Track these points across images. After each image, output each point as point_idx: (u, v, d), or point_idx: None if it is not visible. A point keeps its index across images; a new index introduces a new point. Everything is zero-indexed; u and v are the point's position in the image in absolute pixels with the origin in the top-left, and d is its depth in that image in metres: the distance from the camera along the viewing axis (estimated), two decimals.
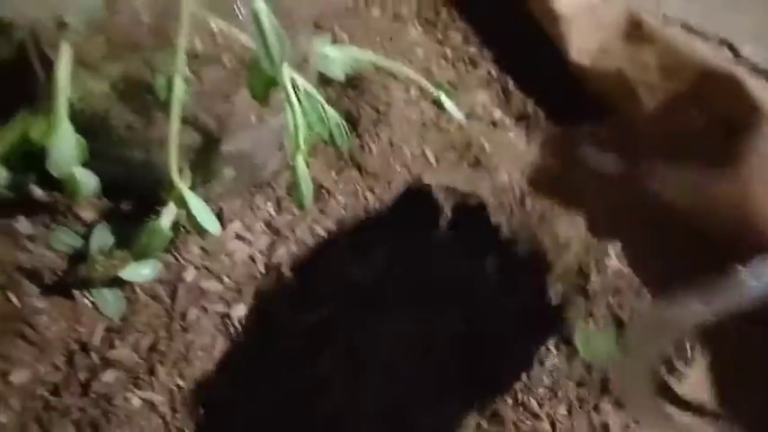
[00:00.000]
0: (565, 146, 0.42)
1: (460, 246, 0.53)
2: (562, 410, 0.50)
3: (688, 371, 0.53)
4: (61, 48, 0.36)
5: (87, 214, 0.45)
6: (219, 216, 0.46)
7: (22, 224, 0.44)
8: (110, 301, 0.42)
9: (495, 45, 0.76)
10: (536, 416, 0.49)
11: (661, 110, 0.68)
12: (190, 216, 0.41)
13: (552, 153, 0.43)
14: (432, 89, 0.60)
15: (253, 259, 0.47)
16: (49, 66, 0.40)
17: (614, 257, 0.61)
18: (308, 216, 0.50)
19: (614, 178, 0.37)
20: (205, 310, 0.44)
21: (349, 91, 0.58)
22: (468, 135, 0.61)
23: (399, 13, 0.73)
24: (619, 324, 0.57)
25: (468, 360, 0.49)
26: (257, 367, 0.44)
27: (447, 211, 0.55)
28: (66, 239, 0.43)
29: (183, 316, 0.44)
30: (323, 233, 0.50)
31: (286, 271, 0.47)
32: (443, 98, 0.60)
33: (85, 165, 0.40)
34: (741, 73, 0.66)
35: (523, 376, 0.50)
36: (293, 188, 0.42)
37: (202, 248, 0.46)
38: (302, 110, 0.41)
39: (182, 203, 0.41)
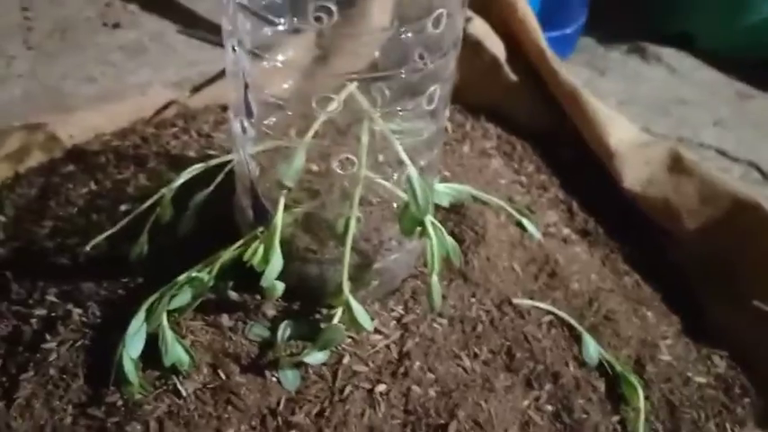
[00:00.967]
0: None
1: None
2: None
3: None
4: (280, 201, 0.50)
5: (270, 312, 0.58)
6: None
7: (225, 319, 0.57)
8: (290, 379, 0.55)
9: (561, 173, 0.89)
10: None
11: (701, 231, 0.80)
12: (352, 316, 0.54)
13: None
14: (515, 214, 0.73)
15: (389, 348, 0.59)
16: (261, 210, 0.55)
17: (666, 353, 0.70)
18: (429, 316, 0.62)
19: None
20: (356, 386, 0.56)
21: (452, 216, 0.71)
22: (546, 251, 0.73)
23: (484, 148, 0.87)
24: (671, 407, 0.66)
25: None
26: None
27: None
28: (259, 332, 0.56)
29: (341, 391, 0.55)
30: (439, 329, 0.62)
31: (413, 357, 0.59)
32: (525, 221, 0.73)
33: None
34: (764, 201, 0.78)
35: None
36: (428, 295, 0.55)
37: (353, 339, 0.58)
38: (437, 240, 0.54)
39: (347, 307, 0.54)
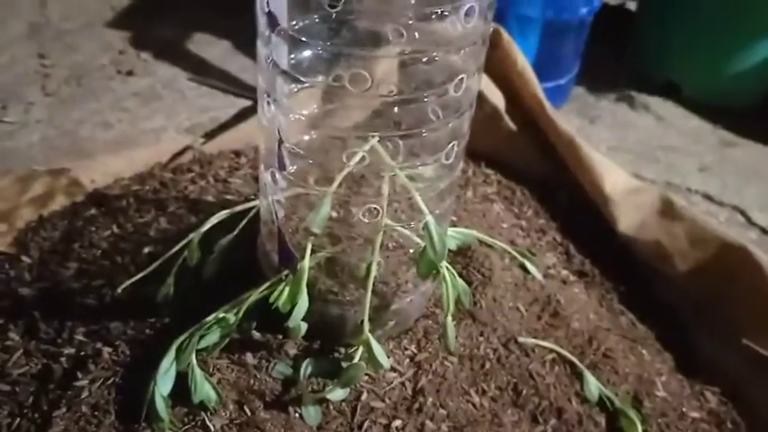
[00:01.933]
0: None
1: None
2: None
3: None
4: (307, 246, 0.53)
5: (292, 351, 0.61)
6: None
7: (249, 358, 0.60)
8: (312, 415, 0.57)
9: (558, 217, 0.93)
10: None
11: (691, 273, 0.83)
12: (371, 355, 0.56)
13: None
14: (518, 256, 0.77)
15: (404, 385, 0.62)
16: (286, 254, 0.58)
17: (662, 389, 0.73)
18: (440, 354, 0.64)
19: None
20: (374, 422, 0.58)
21: (459, 258, 0.74)
22: (547, 292, 0.76)
23: (485, 193, 0.91)
24: None
25: None
26: None
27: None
28: (282, 370, 0.59)
29: (360, 426, 0.58)
30: (450, 366, 0.64)
31: (427, 393, 0.62)
32: (527, 264, 0.77)
33: None
34: (749, 244, 0.82)
35: None
36: (443, 336, 0.58)
37: (369, 376, 0.61)
38: (451, 284, 0.57)
39: (367, 346, 0.56)
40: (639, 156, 1.21)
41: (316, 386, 0.59)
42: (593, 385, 0.68)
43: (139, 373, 0.58)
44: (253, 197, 0.81)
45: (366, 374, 0.60)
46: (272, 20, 0.43)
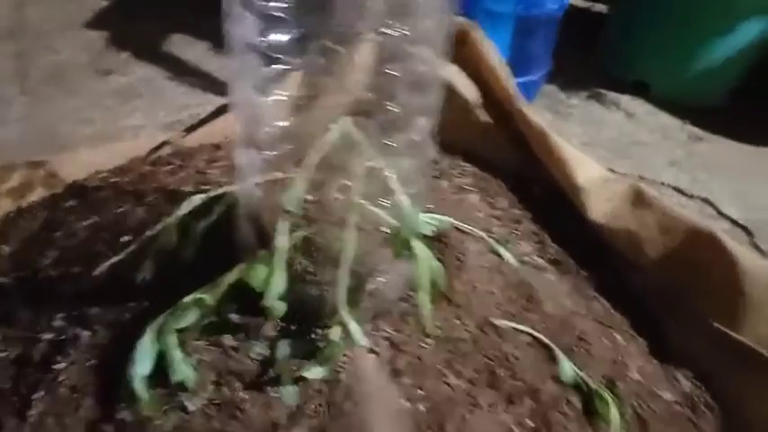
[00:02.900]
0: None
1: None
2: None
3: None
4: (281, 225, 0.53)
5: (270, 332, 0.61)
6: None
7: (228, 340, 0.60)
8: (290, 394, 0.57)
9: (532, 208, 0.94)
10: None
11: (661, 260, 0.84)
12: (348, 334, 0.57)
13: None
14: (493, 243, 0.78)
15: (381, 366, 0.62)
16: (262, 233, 0.58)
17: (635, 372, 0.74)
18: (416, 335, 0.65)
19: None
20: (355, 403, 0.59)
21: (436, 244, 0.75)
22: (522, 277, 0.77)
23: (461, 184, 0.92)
24: (642, 423, 0.69)
25: None
26: None
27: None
28: (260, 350, 0.59)
29: (339, 405, 0.58)
30: (427, 348, 0.65)
31: (404, 375, 0.62)
32: (502, 250, 0.77)
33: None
34: (718, 230, 0.84)
35: None
36: (419, 316, 0.58)
37: (347, 356, 0.61)
38: (424, 260, 0.58)
39: (344, 326, 0.57)
40: (611, 151, 1.23)
41: (294, 367, 0.58)
42: (568, 367, 0.68)
43: (118, 355, 0.58)
44: (230, 185, 0.81)
45: (344, 355, 0.60)
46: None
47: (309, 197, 0.59)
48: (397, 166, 0.52)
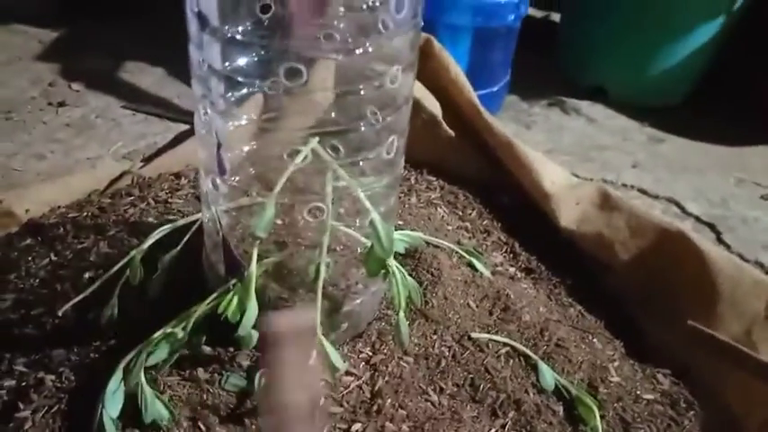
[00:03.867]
0: None
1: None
2: None
3: None
4: (254, 252, 0.52)
5: (245, 362, 0.59)
6: None
7: (201, 372, 0.58)
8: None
9: (501, 218, 0.94)
10: None
11: (633, 261, 0.85)
12: (326, 358, 0.55)
13: None
14: (466, 255, 0.77)
15: (361, 388, 0.61)
16: (233, 263, 0.57)
17: (615, 374, 0.74)
18: (395, 355, 0.64)
19: None
20: (334, 427, 0.57)
21: (408, 261, 0.74)
22: (497, 287, 0.76)
23: (429, 198, 0.92)
24: (624, 424, 0.69)
25: None
26: None
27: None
28: (236, 382, 0.57)
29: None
30: (406, 367, 0.64)
31: (385, 395, 0.61)
32: (475, 261, 0.77)
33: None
34: (687, 229, 0.85)
35: None
36: (396, 333, 0.57)
37: (326, 381, 0.60)
38: (401, 279, 0.57)
39: (321, 350, 0.55)
40: (574, 156, 1.24)
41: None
42: (549, 375, 0.68)
43: (86, 398, 0.56)
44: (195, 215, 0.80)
45: (325, 381, 0.59)
46: (203, 20, 0.42)
47: (278, 221, 0.58)
48: (367, 186, 0.51)
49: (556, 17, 1.66)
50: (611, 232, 0.88)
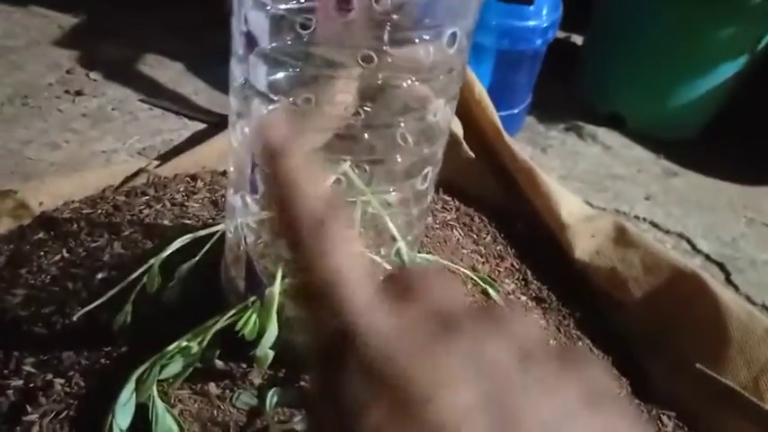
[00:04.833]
0: None
1: None
2: None
3: None
4: (278, 273, 0.52)
5: (257, 380, 0.59)
6: None
7: (212, 388, 0.58)
8: None
9: (515, 244, 0.94)
10: None
11: (645, 299, 0.85)
12: None
13: None
14: (481, 283, 0.77)
15: None
16: (254, 280, 0.56)
17: None
18: None
19: None
20: None
21: None
22: None
23: (445, 219, 0.91)
24: None
25: None
26: None
27: None
28: (247, 400, 0.57)
29: None
30: None
31: None
32: (490, 290, 0.77)
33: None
34: (701, 271, 0.85)
35: None
36: None
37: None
38: None
39: None
40: (588, 184, 1.24)
41: (282, 416, 0.57)
42: None
43: (95, 405, 0.56)
44: (211, 221, 0.79)
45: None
46: (251, 40, 0.42)
47: None
48: (398, 214, 0.51)
49: (577, 39, 1.66)
50: (624, 268, 0.88)
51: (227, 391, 0.58)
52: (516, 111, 1.23)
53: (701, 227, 1.20)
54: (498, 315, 0.21)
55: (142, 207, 0.81)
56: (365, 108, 0.49)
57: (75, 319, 0.59)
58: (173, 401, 0.55)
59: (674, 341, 0.84)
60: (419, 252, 0.76)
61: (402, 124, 0.47)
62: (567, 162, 1.29)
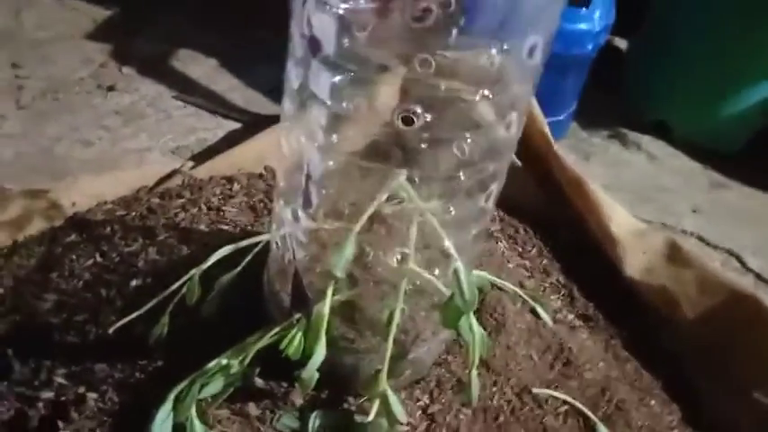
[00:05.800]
0: None
1: None
2: None
3: None
4: (328, 290, 0.49)
5: (298, 401, 0.56)
6: None
7: (252, 408, 0.55)
8: None
9: (560, 258, 0.90)
10: None
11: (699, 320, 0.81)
12: (388, 409, 0.52)
13: None
14: (530, 301, 0.74)
15: None
16: (301, 296, 0.53)
17: None
18: (453, 406, 0.60)
19: None
20: None
21: None
22: (559, 339, 0.73)
23: (490, 231, 0.88)
24: None
25: None
26: None
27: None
28: (288, 422, 0.54)
29: None
30: (464, 419, 0.60)
31: None
32: (539, 309, 0.73)
33: None
34: (760, 294, 0.81)
35: None
36: (466, 391, 0.54)
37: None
38: (479, 336, 0.53)
39: (383, 399, 0.52)
40: (634, 195, 1.20)
41: None
42: None
43: (129, 422, 0.53)
44: (249, 227, 0.77)
45: None
46: (315, 45, 0.39)
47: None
48: (456, 232, 0.48)
49: (620, 43, 1.61)
50: (677, 287, 0.84)
51: (268, 413, 0.55)
52: (562, 117, 1.19)
53: (752, 242, 1.15)
54: None
55: (177, 210, 0.79)
56: (425, 118, 0.46)
57: (110, 331, 0.56)
58: (211, 422, 0.53)
59: (729, 366, 0.80)
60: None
61: (469, 140, 0.43)
62: (610, 171, 1.25)
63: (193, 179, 0.87)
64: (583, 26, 1.05)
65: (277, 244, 0.55)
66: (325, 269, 0.49)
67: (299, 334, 0.51)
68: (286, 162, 0.49)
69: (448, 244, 0.48)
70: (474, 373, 0.53)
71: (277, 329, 0.53)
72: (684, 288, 0.84)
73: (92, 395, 0.56)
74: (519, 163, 0.93)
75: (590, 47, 1.08)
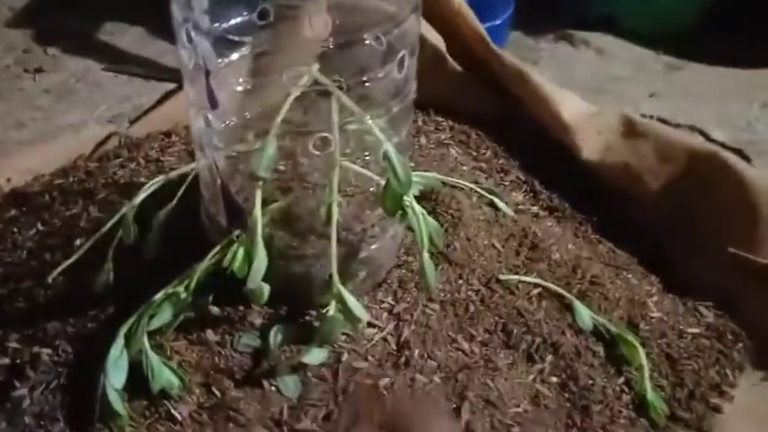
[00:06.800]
0: None
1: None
2: None
3: None
4: (257, 194, 0.47)
5: (257, 320, 0.55)
6: None
7: (210, 335, 0.54)
8: (290, 385, 0.52)
9: (517, 155, 0.89)
10: None
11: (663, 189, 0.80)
12: (346, 309, 0.51)
13: None
14: (486, 194, 0.73)
15: (386, 340, 0.57)
16: (235, 211, 0.52)
17: (655, 310, 0.70)
18: (420, 302, 0.60)
19: None
20: (360, 383, 0.53)
21: (424, 203, 0.69)
22: (522, 226, 0.72)
23: (440, 139, 0.87)
24: (671, 361, 0.66)
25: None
26: None
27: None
28: (249, 341, 0.53)
29: (345, 390, 0.53)
30: (433, 314, 0.60)
31: (412, 346, 0.57)
32: (496, 200, 0.73)
33: None
34: (721, 150, 0.80)
35: None
36: (421, 277, 0.53)
37: (347, 335, 0.55)
38: (422, 217, 0.52)
39: (340, 300, 0.51)
40: (587, 90, 1.18)
41: (289, 354, 0.53)
42: (586, 314, 0.64)
43: (87, 370, 0.52)
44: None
45: (343, 333, 0.55)
46: None
47: (281, 166, 0.53)
48: (377, 113, 0.47)
49: None
50: (638, 161, 0.83)
51: (227, 336, 0.54)
52: (498, 21, 1.17)
53: (713, 116, 1.15)
54: None
55: (116, 169, 0.77)
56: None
57: (52, 284, 0.55)
58: (169, 354, 0.52)
59: (700, 228, 0.79)
60: (414, 171, 0.72)
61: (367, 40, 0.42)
62: (562, 71, 1.24)
63: (130, 138, 0.85)
64: None
65: (205, 167, 0.53)
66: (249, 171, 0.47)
67: (241, 248, 0.50)
68: (186, 70, 0.47)
69: (370, 123, 0.47)
70: (426, 255, 0.52)
71: (218, 249, 0.52)
72: (645, 161, 0.83)
73: (45, 351, 0.55)
74: (458, 68, 0.91)
75: None
